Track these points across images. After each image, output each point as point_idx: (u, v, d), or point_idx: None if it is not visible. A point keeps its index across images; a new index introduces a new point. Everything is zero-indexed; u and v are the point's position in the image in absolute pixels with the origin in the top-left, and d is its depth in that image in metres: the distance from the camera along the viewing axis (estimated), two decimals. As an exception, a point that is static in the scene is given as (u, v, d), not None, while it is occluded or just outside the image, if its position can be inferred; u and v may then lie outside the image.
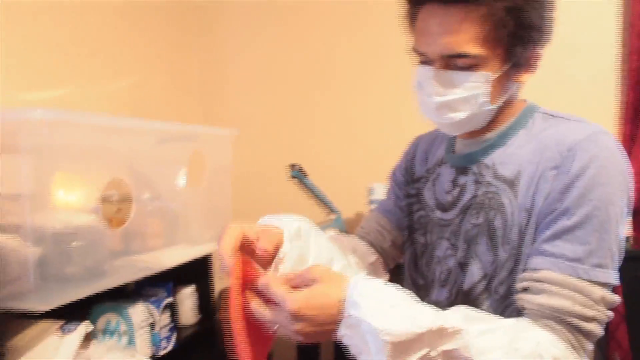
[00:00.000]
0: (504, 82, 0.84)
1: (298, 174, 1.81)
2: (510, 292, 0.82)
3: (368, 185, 2.04)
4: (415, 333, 0.63)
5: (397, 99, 2.17)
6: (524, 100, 0.93)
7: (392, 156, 1.16)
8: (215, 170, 1.72)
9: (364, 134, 2.27)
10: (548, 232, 0.78)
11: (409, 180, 1.07)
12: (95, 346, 1.23)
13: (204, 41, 2.40)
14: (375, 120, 2.24)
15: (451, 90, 0.83)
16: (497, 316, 0.75)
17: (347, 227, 2.16)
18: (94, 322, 1.42)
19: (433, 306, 0.68)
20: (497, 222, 0.84)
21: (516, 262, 0.82)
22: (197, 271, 1.73)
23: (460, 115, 0.84)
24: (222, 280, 2.35)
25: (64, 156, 1.26)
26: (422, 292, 0.99)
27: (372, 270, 1.03)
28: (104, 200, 1.48)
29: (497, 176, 0.87)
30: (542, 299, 0.75)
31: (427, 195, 1.01)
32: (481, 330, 0.68)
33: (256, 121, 2.39)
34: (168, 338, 1.49)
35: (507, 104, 0.89)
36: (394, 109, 2.20)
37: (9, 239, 1.11)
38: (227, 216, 1.74)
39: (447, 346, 0.65)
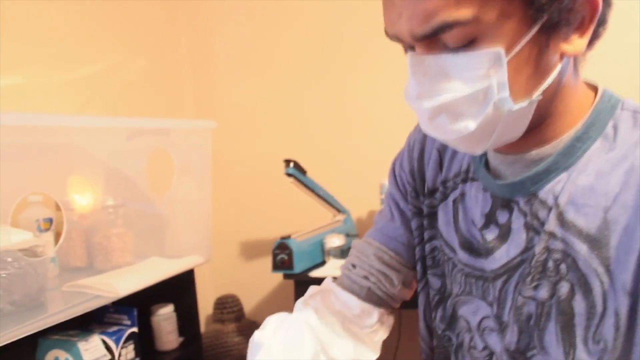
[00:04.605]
0: (535, 58, 0.49)
1: (294, 171, 1.52)
2: None
3: (380, 181, 1.74)
4: None
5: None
6: (592, 86, 0.58)
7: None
8: (193, 169, 1.45)
9: (372, 123, 1.91)
10: None
11: (420, 191, 0.72)
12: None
13: (192, 15, 2.09)
14: (386, 107, 1.87)
15: (444, 85, 0.50)
16: None
17: (358, 228, 1.87)
18: (41, 358, 1.19)
19: None
20: (578, 305, 0.51)
21: None
22: (176, 287, 1.47)
23: (469, 125, 0.50)
24: (214, 289, 2.10)
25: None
26: (440, 355, 0.70)
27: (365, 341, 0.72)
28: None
29: (566, 225, 0.52)
30: None
31: (443, 222, 0.68)
32: None
33: (246, 112, 2.05)
34: (132, 375, 1.25)
35: (562, 95, 0.54)
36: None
37: None
38: (207, 224, 1.47)
39: None
